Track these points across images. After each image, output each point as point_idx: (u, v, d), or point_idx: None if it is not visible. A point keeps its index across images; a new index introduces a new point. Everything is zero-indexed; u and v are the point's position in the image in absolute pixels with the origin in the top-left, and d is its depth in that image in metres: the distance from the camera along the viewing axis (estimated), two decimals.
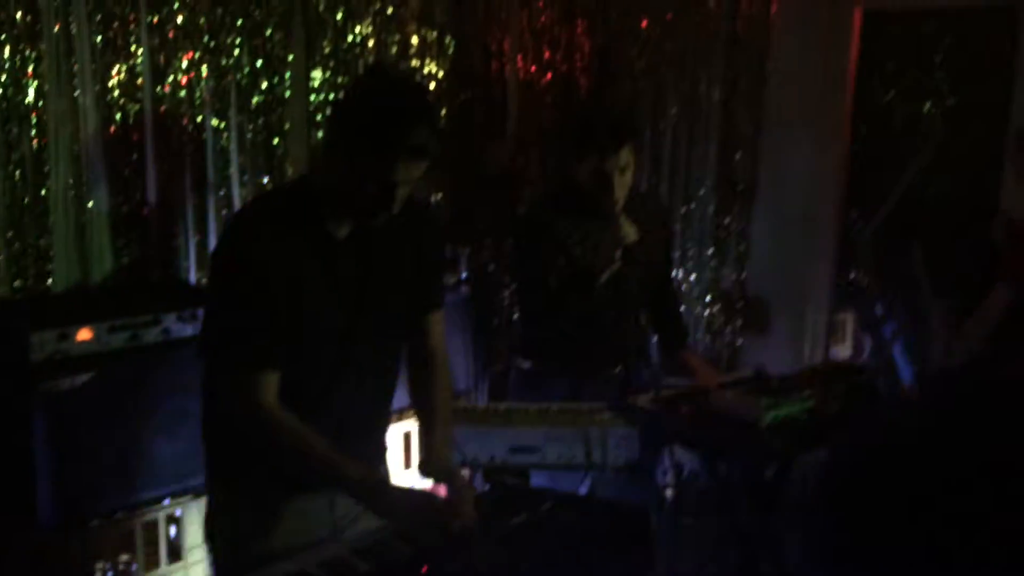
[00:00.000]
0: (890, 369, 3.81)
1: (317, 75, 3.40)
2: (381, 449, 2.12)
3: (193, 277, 3.14)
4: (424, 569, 1.61)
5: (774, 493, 2.47)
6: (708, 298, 4.00)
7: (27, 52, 2.72)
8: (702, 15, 3.88)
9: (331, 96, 3.42)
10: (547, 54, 4.09)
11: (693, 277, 4.01)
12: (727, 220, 3.93)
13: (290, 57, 3.30)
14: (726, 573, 2.35)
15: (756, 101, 3.79)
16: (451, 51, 3.76)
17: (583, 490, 2.51)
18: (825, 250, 3.85)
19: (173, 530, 2.76)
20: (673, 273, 3.92)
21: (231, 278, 1.79)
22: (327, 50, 3.40)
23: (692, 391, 2.59)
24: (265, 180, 3.29)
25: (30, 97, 2.74)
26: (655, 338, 3.17)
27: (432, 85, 3.71)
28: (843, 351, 4.23)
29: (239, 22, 3.14)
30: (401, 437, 3.38)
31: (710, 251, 3.98)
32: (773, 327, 3.88)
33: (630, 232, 2.71)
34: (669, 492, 2.26)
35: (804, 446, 2.40)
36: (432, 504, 1.74)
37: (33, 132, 2.76)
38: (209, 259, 2.55)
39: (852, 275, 4.16)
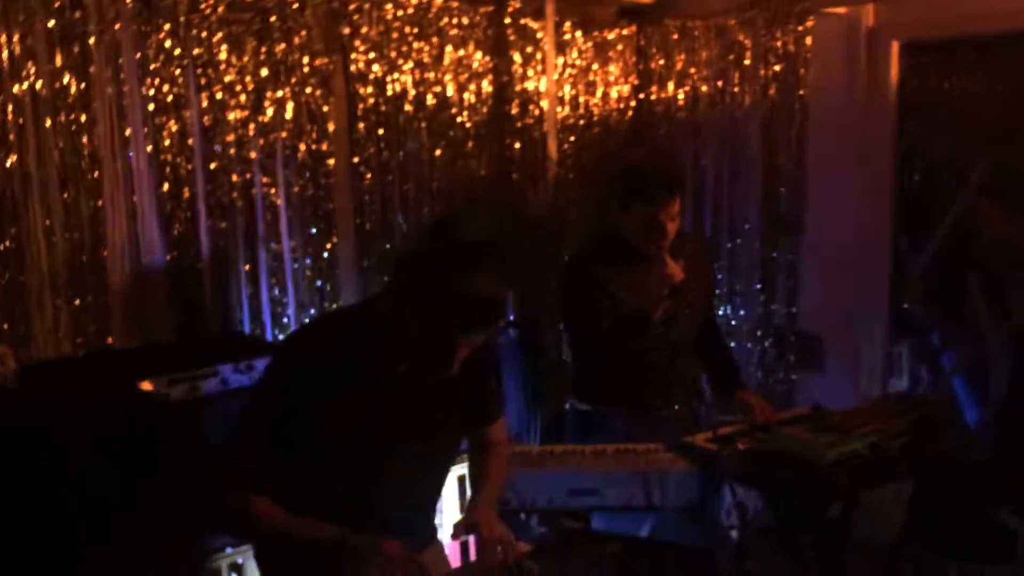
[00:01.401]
0: (951, 401, 3.73)
1: (360, 128, 3.45)
2: (429, 537, 2.12)
3: (247, 328, 3.18)
4: None
5: (840, 531, 2.41)
6: (759, 333, 3.96)
7: (82, 118, 2.80)
8: (739, 52, 3.89)
9: (373, 149, 3.47)
10: (585, 96, 4.13)
11: (743, 313, 3.97)
12: (774, 254, 3.90)
13: (331, 111, 3.36)
14: None
15: (796, 136, 3.77)
16: (490, 98, 3.81)
17: (644, 532, 2.48)
18: (877, 281, 3.80)
19: None
20: (719, 311, 3.89)
21: (272, 376, 1.86)
22: (369, 103, 3.46)
23: (750, 428, 2.56)
24: (313, 231, 3.34)
25: (86, 160, 2.82)
26: (706, 378, 3.15)
27: (471, 130, 3.75)
28: (900, 384, 4.15)
29: (282, 80, 3.21)
30: (456, 481, 3.36)
31: (758, 286, 3.94)
32: (827, 362, 3.82)
33: (676, 271, 2.71)
34: (734, 533, 2.21)
35: (869, 483, 2.35)
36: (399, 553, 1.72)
37: (90, 194, 2.83)
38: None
39: (905, 306, 4.11)
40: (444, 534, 2.12)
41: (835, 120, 3.70)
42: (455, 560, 1.95)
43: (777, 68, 3.78)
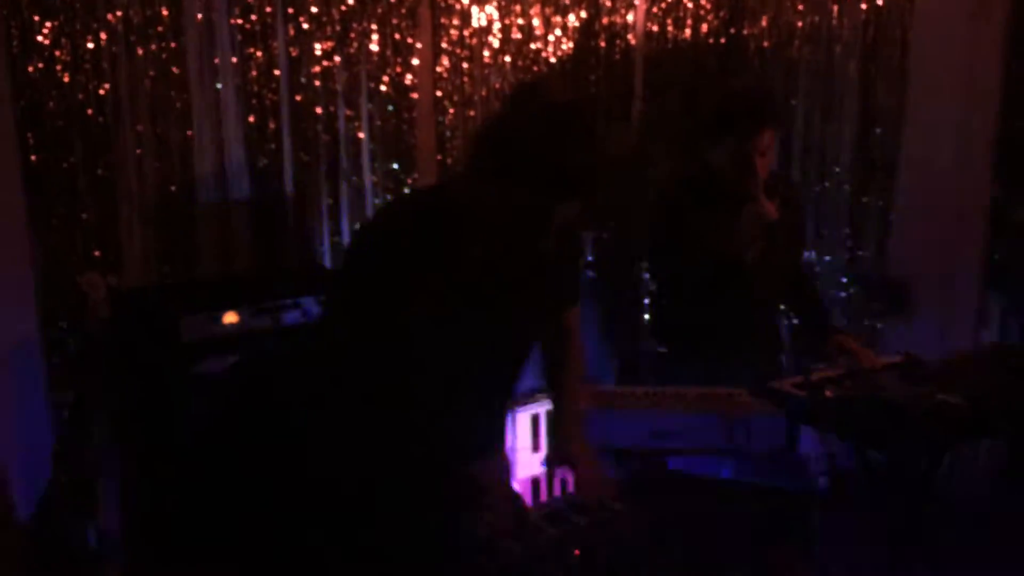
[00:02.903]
0: None
1: (445, 62, 3.41)
2: (501, 435, 2.10)
3: (328, 262, 3.20)
4: (576, 552, 1.59)
5: (930, 484, 2.35)
6: (844, 279, 3.85)
7: (172, 45, 2.82)
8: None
9: (457, 82, 3.43)
10: (672, 31, 4.00)
11: (828, 258, 3.86)
12: (865, 199, 3.76)
13: (418, 44, 3.32)
14: (879, 567, 2.25)
15: (897, 74, 3.61)
16: (576, 32, 3.72)
17: (725, 474, 2.45)
18: (971, 230, 3.65)
19: None
20: (805, 255, 3.79)
21: (357, 258, 1.78)
22: (454, 37, 3.41)
23: (840, 375, 2.49)
24: (395, 167, 3.33)
25: (175, 90, 2.84)
26: (796, 322, 3.08)
27: (556, 66, 3.67)
28: (990, 336, 4.01)
29: (367, 10, 3.18)
30: (529, 420, 3.37)
31: (847, 231, 3.82)
32: (916, 310, 3.70)
33: (770, 210, 2.63)
34: (823, 480, 2.17)
35: (964, 435, 2.27)
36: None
37: (179, 123, 2.86)
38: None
39: (999, 255, 3.95)
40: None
41: (938, 57, 3.53)
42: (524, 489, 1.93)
43: (880, 1, 3.61)
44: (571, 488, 1.92)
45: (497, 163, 1.64)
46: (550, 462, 1.92)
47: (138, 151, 2.82)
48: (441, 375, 1.76)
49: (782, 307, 3.04)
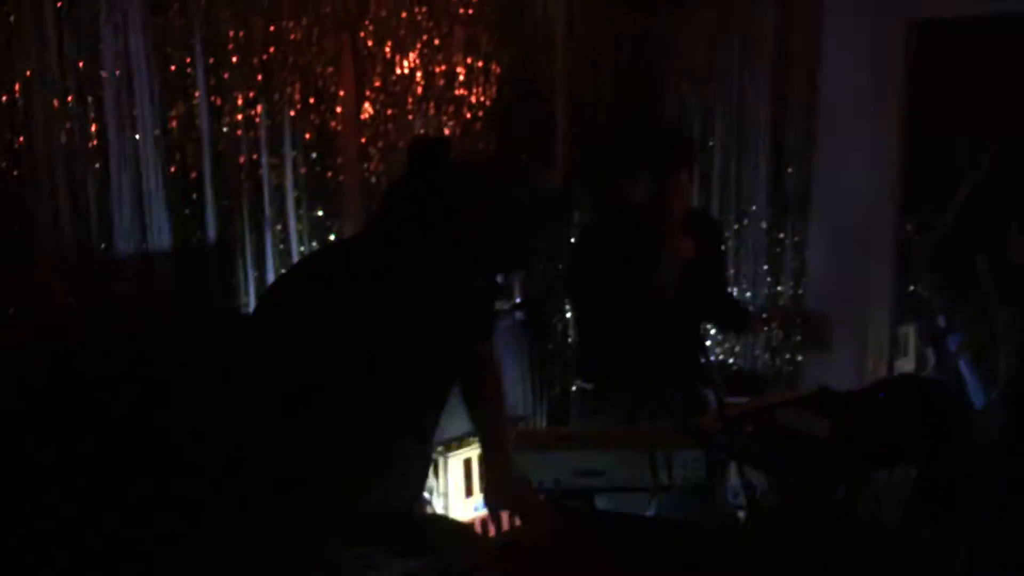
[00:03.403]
0: (957, 382, 3.73)
1: (367, 108, 3.44)
2: (422, 481, 2.09)
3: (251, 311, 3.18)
4: None
5: (846, 512, 2.41)
6: (765, 315, 3.95)
7: (88, 99, 2.79)
8: (749, 31, 3.87)
9: (381, 129, 3.46)
10: (594, 75, 4.11)
11: (749, 294, 3.97)
12: (780, 235, 3.89)
13: (341, 92, 3.36)
14: None
15: (806, 115, 3.76)
16: (498, 78, 3.79)
17: (649, 512, 2.48)
18: (883, 263, 3.79)
19: None
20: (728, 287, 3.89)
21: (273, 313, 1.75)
22: (377, 84, 3.45)
23: (756, 409, 2.56)
24: (320, 213, 3.34)
25: (93, 141, 2.81)
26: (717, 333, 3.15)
27: (479, 113, 3.74)
28: (906, 365, 4.15)
29: (291, 60, 3.20)
30: (461, 464, 3.38)
31: (765, 267, 3.94)
32: (834, 343, 3.82)
33: (687, 247, 2.71)
34: (741, 514, 2.22)
35: (876, 463, 2.35)
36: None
37: (96, 177, 2.83)
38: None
39: (912, 288, 4.10)
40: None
41: (845, 98, 3.68)
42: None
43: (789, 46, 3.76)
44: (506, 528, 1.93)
45: (408, 238, 1.62)
46: (491, 506, 1.93)
47: (53, 204, 2.78)
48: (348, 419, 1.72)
49: (705, 338, 3.12)
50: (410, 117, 3.54)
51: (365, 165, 3.45)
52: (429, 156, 1.65)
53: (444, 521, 1.81)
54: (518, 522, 1.86)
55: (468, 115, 3.71)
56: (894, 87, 3.65)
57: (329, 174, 3.35)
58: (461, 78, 3.67)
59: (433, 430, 2.00)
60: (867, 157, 3.69)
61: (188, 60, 2.97)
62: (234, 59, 3.07)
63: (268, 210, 3.22)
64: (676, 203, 2.67)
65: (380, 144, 3.47)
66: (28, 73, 2.68)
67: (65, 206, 2.78)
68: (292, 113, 3.23)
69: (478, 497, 3.31)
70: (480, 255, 1.64)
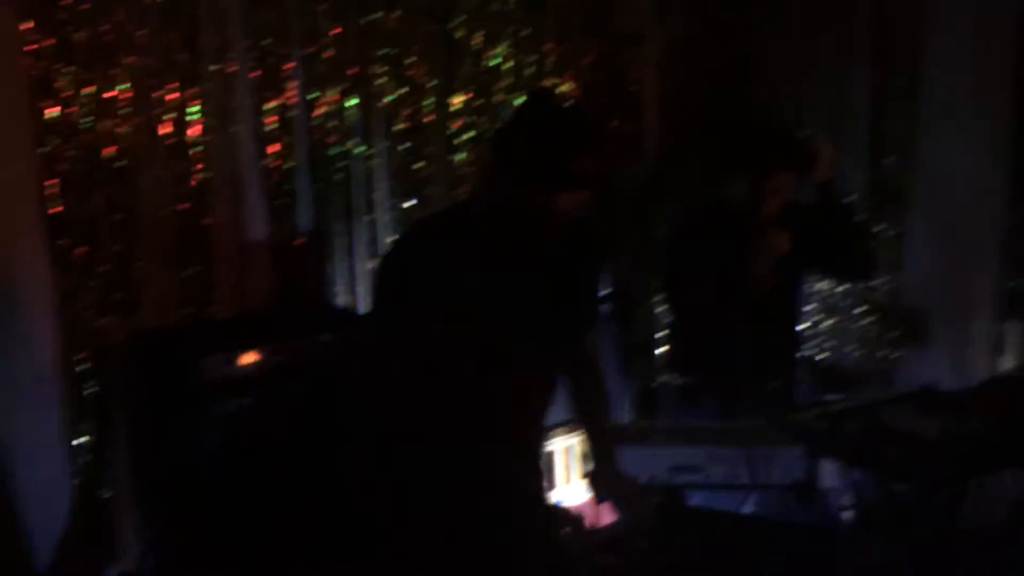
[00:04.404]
0: None
1: (458, 99, 3.44)
2: (536, 468, 2.11)
3: (343, 301, 3.22)
4: None
5: (952, 517, 2.33)
6: (859, 310, 3.84)
7: (189, 91, 2.86)
8: (845, 19, 3.76)
9: (470, 119, 3.46)
10: (683, 67, 4.03)
11: (843, 287, 3.86)
12: (879, 227, 3.77)
13: (431, 83, 3.36)
14: None
15: (908, 106, 3.63)
16: (588, 67, 3.75)
17: (746, 510, 2.43)
18: (987, 256, 3.64)
19: None
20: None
21: (380, 289, 1.88)
22: (467, 74, 3.44)
23: (859, 406, 2.49)
24: (409, 204, 3.35)
25: (194, 134, 2.87)
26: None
27: (570, 102, 3.70)
28: (1007, 363, 3.99)
29: (383, 52, 3.22)
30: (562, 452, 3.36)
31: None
32: (933, 339, 3.69)
33: (783, 243, 2.64)
34: (847, 515, 2.16)
35: (985, 466, 2.26)
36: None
37: (197, 167, 2.89)
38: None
39: (1014, 282, 3.93)
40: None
41: (952, 85, 3.55)
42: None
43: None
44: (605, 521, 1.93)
45: (506, 163, 1.75)
46: (598, 497, 1.94)
47: (156, 194, 2.85)
48: None
49: (801, 334, 3.03)
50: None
51: (451, 156, 3.45)
52: (539, 99, 1.85)
53: (560, 511, 1.82)
54: (619, 514, 1.85)
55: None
56: (1003, 78, 3.50)
57: (419, 165, 3.36)
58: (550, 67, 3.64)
59: (544, 422, 2.01)
60: (972, 149, 3.55)
61: (286, 52, 3.01)
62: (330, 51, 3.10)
63: (359, 201, 3.25)
64: (772, 201, 2.61)
65: (470, 134, 3.47)
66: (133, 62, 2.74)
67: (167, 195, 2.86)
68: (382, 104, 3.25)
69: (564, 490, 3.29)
70: (573, 169, 1.72)
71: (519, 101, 3.50)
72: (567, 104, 2.24)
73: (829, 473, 2.46)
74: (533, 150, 1.71)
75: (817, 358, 3.84)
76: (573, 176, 1.71)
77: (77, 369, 2.77)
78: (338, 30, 3.11)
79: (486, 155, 1.94)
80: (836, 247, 2.75)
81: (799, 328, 2.93)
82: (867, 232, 2.97)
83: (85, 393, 2.77)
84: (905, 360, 3.75)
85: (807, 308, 3.61)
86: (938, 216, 3.64)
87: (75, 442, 2.76)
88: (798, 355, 3.06)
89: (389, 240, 3.30)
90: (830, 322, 3.80)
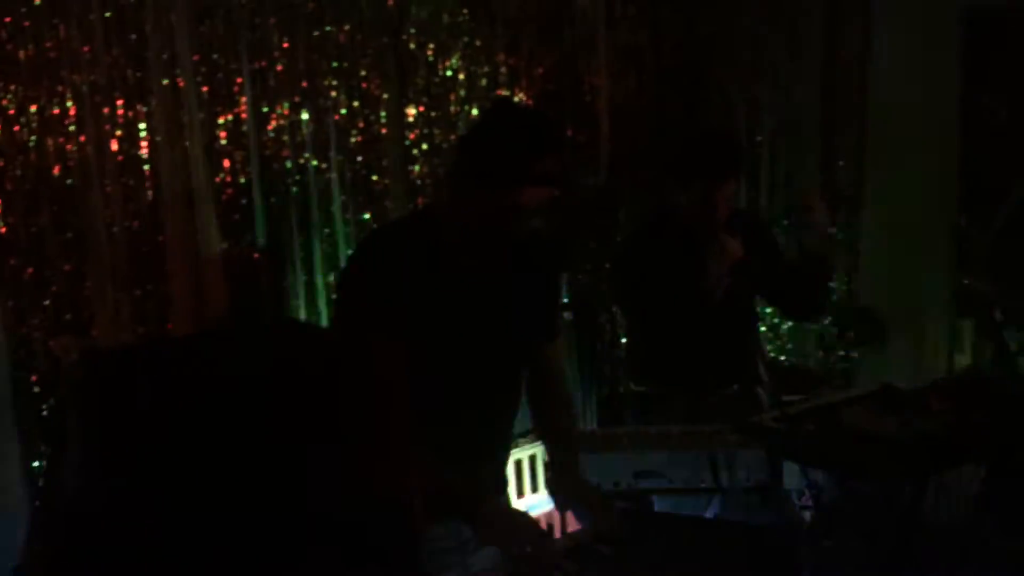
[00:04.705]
0: (1017, 376, 3.64)
1: (411, 111, 3.43)
2: (501, 479, 2.12)
3: (303, 315, 3.18)
4: None
5: (912, 513, 2.35)
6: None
7: (138, 107, 2.82)
8: (794, 26, 3.81)
9: (425, 131, 3.45)
10: (636, 75, 4.06)
11: None
12: (832, 231, 3.81)
13: (384, 95, 3.35)
14: None
15: (857, 109, 3.69)
16: (540, 79, 3.76)
17: (710, 514, 2.44)
18: (939, 257, 3.71)
19: None
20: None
21: (346, 304, 1.87)
22: (420, 86, 3.44)
23: (818, 408, 2.50)
24: (367, 216, 3.33)
25: (143, 150, 2.83)
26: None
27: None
28: (963, 360, 4.06)
29: (334, 65, 3.20)
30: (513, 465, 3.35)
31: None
32: (890, 339, 3.74)
33: (735, 248, 2.66)
34: (807, 514, 2.17)
35: (945, 462, 2.28)
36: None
37: (147, 183, 2.85)
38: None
39: (967, 281, 4.01)
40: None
41: (898, 91, 3.61)
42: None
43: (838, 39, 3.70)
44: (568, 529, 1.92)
45: (470, 164, 1.77)
46: (560, 505, 1.92)
47: (107, 211, 2.80)
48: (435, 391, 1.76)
49: (758, 337, 3.05)
50: (454, 120, 3.52)
51: (410, 167, 3.44)
52: (503, 105, 1.77)
53: (523, 516, 1.80)
54: (583, 521, 1.84)
55: None
56: (947, 79, 3.57)
57: (375, 177, 3.34)
58: (503, 79, 3.65)
59: (510, 428, 2.01)
60: (921, 149, 3.62)
61: (235, 67, 2.98)
62: (278, 67, 3.08)
63: (316, 215, 3.22)
64: (723, 207, 2.64)
65: (425, 147, 3.46)
66: (79, 78, 2.70)
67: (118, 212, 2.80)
68: (336, 117, 3.23)
69: (528, 499, 3.28)
70: (541, 168, 1.74)
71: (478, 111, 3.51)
72: (530, 109, 2.26)
73: (792, 474, 2.48)
74: (498, 149, 1.74)
75: (776, 359, 3.87)
76: (538, 173, 1.73)
77: (33, 391, 2.71)
78: (287, 44, 3.09)
79: (451, 159, 1.97)
80: (799, 295, 2.84)
81: (756, 330, 2.95)
82: (829, 279, 3.04)
83: (41, 417, 2.71)
84: (863, 360, 3.79)
85: (766, 310, 3.65)
86: (890, 217, 3.70)
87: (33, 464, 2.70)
88: (757, 357, 3.07)
89: (349, 252, 3.28)
90: (788, 324, 3.84)
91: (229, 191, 3.02)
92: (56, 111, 2.69)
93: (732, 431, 2.43)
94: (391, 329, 1.69)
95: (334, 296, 2.06)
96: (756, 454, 2.32)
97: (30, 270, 2.70)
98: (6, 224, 2.65)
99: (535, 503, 2.63)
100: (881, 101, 3.65)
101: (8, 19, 2.59)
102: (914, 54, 3.56)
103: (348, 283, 1.91)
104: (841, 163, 3.74)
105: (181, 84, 2.88)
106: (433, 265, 1.81)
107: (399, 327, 1.72)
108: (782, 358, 3.94)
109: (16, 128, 2.64)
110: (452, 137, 3.50)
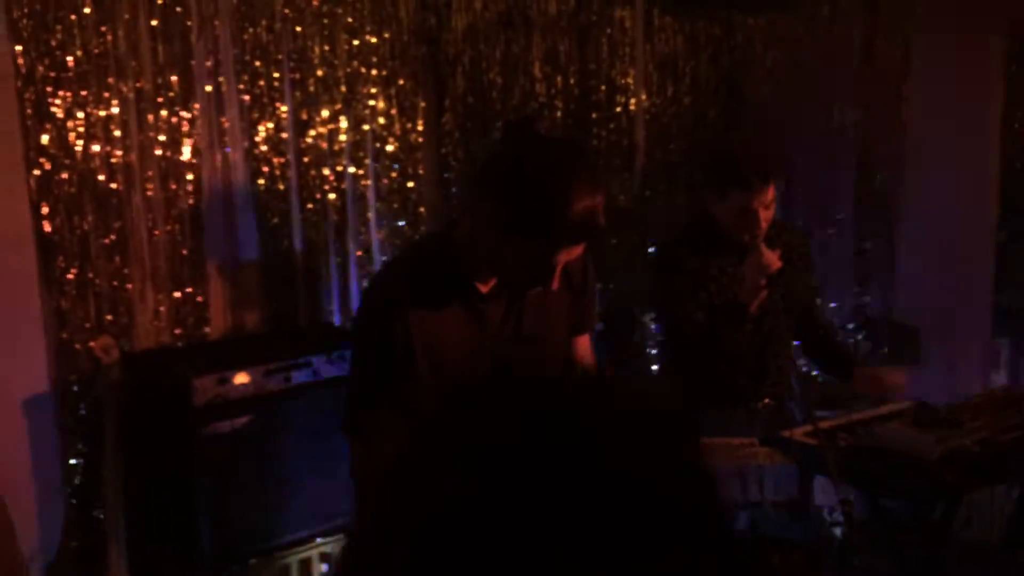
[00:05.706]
0: None
1: (448, 120, 3.46)
2: None
3: (338, 319, 3.22)
4: None
5: (944, 531, 2.33)
6: (851, 326, 3.86)
7: (181, 113, 2.87)
8: (833, 41, 3.79)
9: (461, 139, 3.48)
10: (672, 86, 4.06)
11: (835, 304, 3.88)
12: (868, 244, 3.79)
13: (422, 104, 3.38)
14: None
15: (895, 122, 3.66)
16: (576, 89, 3.77)
17: (740, 526, 2.43)
18: (977, 273, 3.67)
19: (325, 567, 2.81)
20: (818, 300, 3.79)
21: (365, 343, 1.80)
22: (458, 94, 3.46)
23: (851, 423, 2.49)
24: (401, 223, 3.36)
25: (186, 155, 2.89)
26: (816, 370, 3.09)
27: (559, 121, 3.72)
28: (999, 379, 4.00)
29: (373, 73, 3.24)
30: None
31: (852, 277, 3.85)
32: (925, 355, 3.71)
33: (773, 260, 2.65)
34: (838, 530, 2.16)
35: (978, 481, 2.26)
36: None
37: (189, 188, 2.90)
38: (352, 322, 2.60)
39: (1005, 298, 3.96)
40: None
41: (936, 104, 3.58)
42: None
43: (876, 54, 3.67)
44: None
45: (499, 208, 1.61)
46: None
47: (149, 216, 2.86)
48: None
49: (794, 355, 3.05)
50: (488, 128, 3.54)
51: (444, 175, 3.46)
52: (520, 127, 1.66)
53: None
54: None
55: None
56: (987, 93, 3.54)
57: (410, 184, 3.37)
58: (538, 89, 3.66)
59: None
60: (959, 164, 3.58)
61: (276, 75, 3.03)
62: (319, 72, 3.12)
63: (352, 220, 3.26)
64: (762, 218, 2.62)
65: (459, 154, 3.48)
66: (124, 87, 2.75)
67: (159, 216, 2.86)
68: (374, 125, 3.26)
69: None
70: (576, 225, 1.59)
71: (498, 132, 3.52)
72: (556, 135, 2.05)
73: (823, 490, 2.46)
74: (526, 196, 1.55)
75: (809, 373, 3.84)
76: (574, 226, 1.56)
77: (73, 390, 2.76)
78: (327, 52, 3.13)
79: (472, 195, 1.82)
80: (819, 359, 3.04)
81: (791, 344, 2.93)
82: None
83: (80, 416, 2.77)
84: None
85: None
86: (927, 233, 3.67)
87: (70, 462, 2.75)
88: (790, 371, 3.06)
89: (384, 258, 3.31)
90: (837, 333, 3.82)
91: (268, 197, 3.06)
92: (102, 116, 2.75)
93: (763, 445, 2.42)
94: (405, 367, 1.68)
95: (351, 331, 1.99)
96: (787, 468, 2.31)
97: (74, 271, 2.76)
98: (52, 226, 2.72)
99: None
100: (919, 113, 3.61)
101: (59, 27, 2.65)
102: (954, 67, 3.53)
103: (361, 323, 1.85)
104: (879, 176, 3.71)
105: (224, 91, 2.93)
106: (454, 292, 1.75)
107: (412, 363, 1.68)
108: (815, 372, 3.91)
109: (64, 133, 2.71)
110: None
